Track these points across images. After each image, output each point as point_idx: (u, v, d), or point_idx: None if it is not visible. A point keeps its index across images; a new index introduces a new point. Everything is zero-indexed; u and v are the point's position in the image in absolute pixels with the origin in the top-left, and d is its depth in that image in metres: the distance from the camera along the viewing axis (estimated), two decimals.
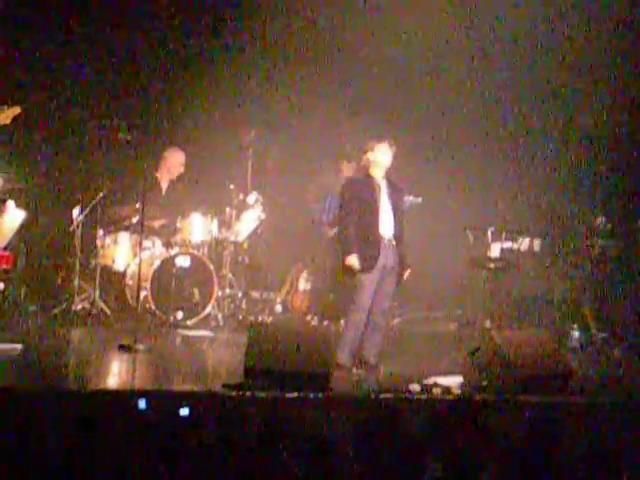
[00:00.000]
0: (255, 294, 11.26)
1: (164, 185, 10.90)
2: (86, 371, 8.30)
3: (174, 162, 10.85)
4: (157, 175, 10.83)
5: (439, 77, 11.61)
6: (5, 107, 8.47)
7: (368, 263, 8.31)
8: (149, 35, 11.26)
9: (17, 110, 8.49)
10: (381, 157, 8.44)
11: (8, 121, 8.52)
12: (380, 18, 11.36)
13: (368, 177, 8.50)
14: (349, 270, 8.33)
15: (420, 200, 9.56)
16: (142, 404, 5.76)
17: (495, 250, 10.56)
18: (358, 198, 8.42)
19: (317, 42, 11.54)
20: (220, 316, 10.45)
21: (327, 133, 11.31)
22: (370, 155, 8.46)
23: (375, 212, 8.40)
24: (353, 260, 8.29)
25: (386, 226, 8.42)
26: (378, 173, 8.48)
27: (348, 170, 10.62)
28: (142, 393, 7.07)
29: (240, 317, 10.60)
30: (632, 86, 11.37)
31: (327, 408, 7.04)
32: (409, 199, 9.52)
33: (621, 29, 11.18)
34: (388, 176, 8.54)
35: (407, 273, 8.51)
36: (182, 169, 10.86)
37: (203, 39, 11.47)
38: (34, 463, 4.72)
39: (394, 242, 8.43)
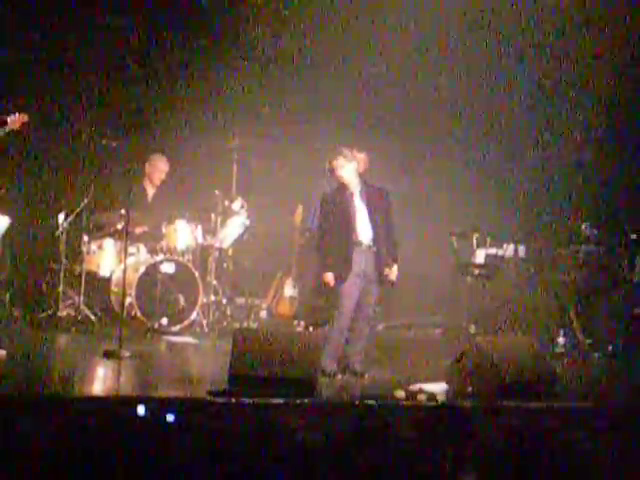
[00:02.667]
0: (240, 300, 11.26)
1: (150, 192, 10.89)
2: (71, 377, 8.26)
3: (155, 169, 10.84)
4: (143, 182, 10.82)
5: (425, 85, 11.62)
6: (16, 114, 8.52)
7: (346, 272, 8.32)
8: (134, 42, 11.25)
9: (25, 117, 8.56)
10: (347, 166, 8.41)
11: (16, 127, 8.57)
12: (367, 27, 11.37)
13: (342, 186, 8.46)
14: (327, 285, 8.38)
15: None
16: (141, 410, 5.69)
17: (480, 256, 10.58)
18: (333, 210, 8.43)
19: (301, 50, 11.56)
20: (205, 322, 10.44)
21: (311, 139, 11.29)
22: (336, 165, 8.43)
23: (350, 220, 8.37)
24: (329, 277, 8.34)
25: (363, 232, 8.40)
26: (352, 180, 8.47)
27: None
28: (127, 399, 7.07)
29: (225, 323, 10.60)
30: (618, 93, 11.40)
31: (312, 414, 7.02)
32: None
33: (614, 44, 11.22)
34: (365, 180, 8.53)
35: (394, 271, 8.46)
36: (163, 176, 10.85)
37: (188, 46, 11.46)
38: (17, 468, 4.70)
39: (374, 248, 8.41)
